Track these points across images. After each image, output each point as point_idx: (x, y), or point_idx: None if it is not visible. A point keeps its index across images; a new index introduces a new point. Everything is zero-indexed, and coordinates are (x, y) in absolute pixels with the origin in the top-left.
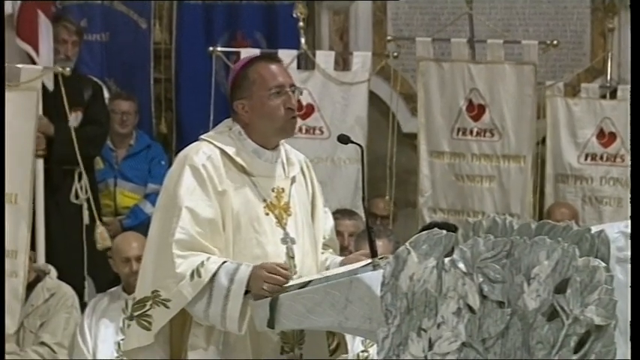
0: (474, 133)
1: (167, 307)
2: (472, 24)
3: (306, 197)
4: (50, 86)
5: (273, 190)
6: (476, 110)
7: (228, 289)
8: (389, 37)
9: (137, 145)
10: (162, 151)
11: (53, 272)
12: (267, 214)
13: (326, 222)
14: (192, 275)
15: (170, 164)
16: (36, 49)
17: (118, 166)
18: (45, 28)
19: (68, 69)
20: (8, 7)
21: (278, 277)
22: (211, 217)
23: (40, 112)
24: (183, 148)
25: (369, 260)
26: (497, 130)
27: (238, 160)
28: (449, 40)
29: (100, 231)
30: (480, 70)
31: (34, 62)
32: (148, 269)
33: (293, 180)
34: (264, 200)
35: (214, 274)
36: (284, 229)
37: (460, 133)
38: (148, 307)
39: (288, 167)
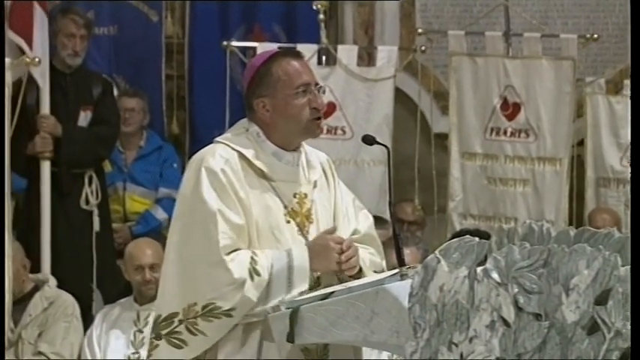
0: (508, 134)
1: (230, 317)
2: (508, 16)
3: (329, 202)
4: (42, 82)
5: (294, 196)
6: (511, 109)
7: (289, 280)
8: (419, 30)
9: (147, 147)
10: (175, 152)
11: (52, 281)
12: (288, 221)
13: (366, 220)
14: (251, 276)
15: (183, 167)
16: (29, 42)
17: (127, 168)
18: (40, 20)
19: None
20: None
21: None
22: (241, 224)
23: (47, 110)
24: (196, 150)
25: (397, 270)
26: (533, 131)
27: (257, 163)
28: (483, 34)
29: None
30: (516, 65)
31: None
32: (173, 283)
33: (314, 184)
34: (286, 207)
35: (271, 268)
36: (306, 238)
37: (493, 133)
38: (176, 324)
39: (309, 171)
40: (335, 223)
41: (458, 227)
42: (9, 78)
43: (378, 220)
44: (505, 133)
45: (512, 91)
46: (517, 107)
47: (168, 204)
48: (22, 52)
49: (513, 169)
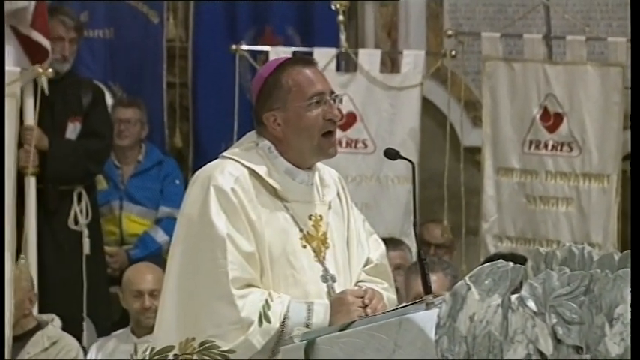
0: (549, 147)
1: None
2: (549, 17)
3: (343, 225)
4: (47, 90)
5: (310, 218)
6: (552, 120)
7: None
8: (449, 32)
9: (146, 161)
10: (177, 167)
11: (57, 321)
12: (304, 246)
13: (377, 247)
14: (260, 320)
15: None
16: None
17: (124, 185)
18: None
19: (50, 70)
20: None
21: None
22: (251, 251)
23: (32, 122)
24: (201, 166)
25: (422, 297)
26: (577, 144)
27: (271, 182)
28: (520, 37)
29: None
30: (558, 72)
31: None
32: (172, 313)
33: (329, 205)
34: (301, 230)
35: (285, 318)
36: (323, 264)
37: (533, 146)
38: (170, 359)
39: (323, 190)
40: (349, 249)
41: (492, 251)
42: (18, 87)
43: (392, 241)
44: (546, 146)
45: (553, 100)
46: (559, 118)
47: (169, 225)
48: (29, 58)
49: (555, 187)
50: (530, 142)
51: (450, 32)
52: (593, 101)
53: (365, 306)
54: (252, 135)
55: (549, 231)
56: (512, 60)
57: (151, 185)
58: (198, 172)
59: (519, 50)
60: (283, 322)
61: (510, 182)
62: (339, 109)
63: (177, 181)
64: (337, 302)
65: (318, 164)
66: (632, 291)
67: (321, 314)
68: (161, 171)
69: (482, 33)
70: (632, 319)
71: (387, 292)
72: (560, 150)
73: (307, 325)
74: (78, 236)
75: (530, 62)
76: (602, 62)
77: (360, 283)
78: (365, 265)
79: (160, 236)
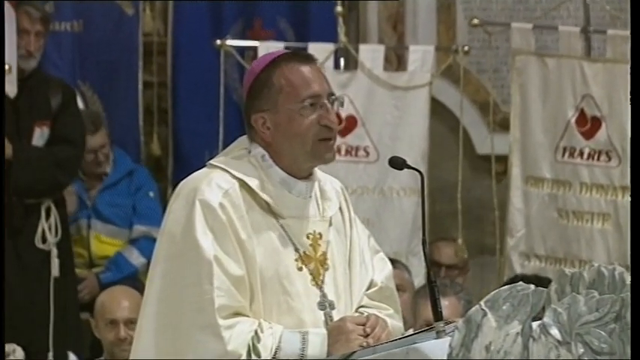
0: (585, 156)
1: None
2: (587, 8)
3: (344, 244)
4: (13, 92)
5: (307, 237)
6: (589, 124)
7: None
8: (474, 21)
9: (115, 173)
10: (150, 177)
11: (19, 352)
12: (300, 268)
13: (383, 268)
14: (248, 354)
15: (164, 196)
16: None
17: (91, 201)
18: (8, 17)
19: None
20: None
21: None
22: (240, 275)
23: None
24: (181, 176)
25: (432, 325)
26: (616, 153)
27: (264, 196)
28: (556, 29)
29: None
30: (597, 70)
31: None
32: (149, 342)
33: (330, 222)
34: (297, 250)
35: (277, 350)
36: (320, 288)
37: (567, 154)
38: None
39: (324, 204)
40: (351, 271)
41: (519, 271)
42: None
43: (394, 262)
44: (581, 154)
45: (591, 102)
46: (597, 122)
47: (146, 245)
48: None
49: (590, 200)
50: (564, 149)
51: (475, 21)
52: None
53: (366, 335)
54: (243, 140)
55: (582, 250)
56: (546, 55)
57: (122, 201)
58: (182, 184)
59: (546, 45)
60: (275, 355)
61: (540, 193)
62: (338, 114)
63: (152, 193)
64: (335, 331)
65: (320, 174)
66: (632, 291)
67: (317, 345)
68: (132, 183)
69: (512, 23)
70: (632, 319)
71: (391, 320)
72: (598, 159)
73: (302, 358)
74: (45, 256)
75: (565, 58)
76: None
77: (361, 309)
78: (368, 289)
79: (135, 258)
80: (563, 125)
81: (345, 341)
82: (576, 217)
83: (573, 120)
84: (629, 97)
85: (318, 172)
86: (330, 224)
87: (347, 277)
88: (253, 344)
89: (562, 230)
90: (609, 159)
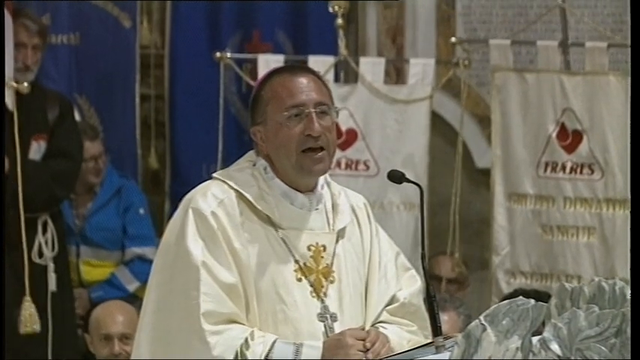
0: (568, 170)
1: None
2: (565, 21)
3: (359, 259)
4: (12, 105)
5: (309, 249)
6: (570, 138)
7: None
8: (453, 39)
9: (103, 193)
10: (139, 192)
11: None
12: (299, 279)
13: (411, 285)
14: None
15: (161, 208)
16: None
17: (78, 227)
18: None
19: (26, 84)
20: None
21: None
22: (232, 282)
23: None
24: (178, 189)
25: (431, 340)
26: (599, 166)
27: (260, 207)
28: (534, 44)
29: (30, 312)
30: (577, 83)
31: None
32: (145, 352)
33: (341, 234)
34: (297, 262)
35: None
36: (322, 300)
37: (549, 169)
38: None
39: (335, 217)
40: (369, 286)
41: (505, 288)
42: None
43: None
44: (563, 168)
45: (571, 116)
46: (578, 136)
47: (140, 268)
48: None
49: (575, 215)
50: (546, 164)
51: (453, 39)
52: (616, 117)
53: (366, 350)
54: (251, 154)
55: (569, 265)
56: (525, 70)
57: (111, 223)
58: (186, 196)
59: (533, 59)
60: None
61: (524, 210)
62: (338, 127)
63: (142, 210)
64: (334, 345)
65: (336, 187)
66: (632, 291)
67: (311, 357)
68: (121, 202)
69: (490, 40)
70: (632, 319)
71: (411, 335)
72: (580, 172)
73: None
74: (42, 271)
75: (544, 73)
76: (626, 72)
77: (379, 324)
78: (390, 304)
79: (129, 280)
80: (544, 140)
81: (344, 356)
82: (561, 231)
83: (554, 134)
84: (612, 108)
85: (335, 185)
86: (342, 237)
87: (358, 290)
88: (242, 351)
89: (547, 246)
90: (592, 172)
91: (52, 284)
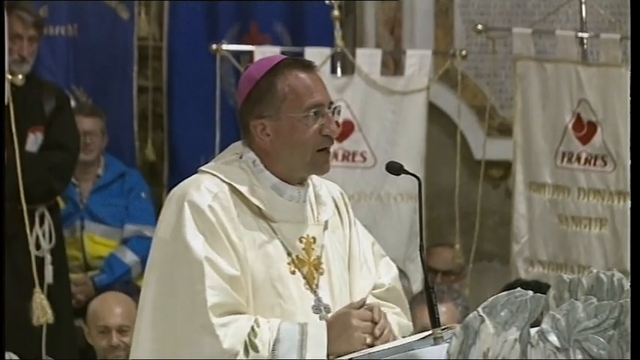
0: (582, 161)
1: None
2: (582, 11)
3: (343, 248)
4: (7, 97)
5: (300, 241)
6: (585, 129)
7: None
8: (478, 27)
9: (107, 175)
10: (142, 179)
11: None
12: (293, 272)
13: (389, 271)
14: (246, 350)
15: (158, 200)
16: None
17: (83, 203)
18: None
19: (20, 77)
20: None
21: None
22: (234, 274)
23: None
24: (176, 181)
25: (429, 331)
26: (611, 157)
27: (254, 200)
28: (552, 33)
29: (40, 301)
30: (592, 74)
31: None
32: (148, 349)
33: (325, 226)
34: (289, 254)
35: (275, 343)
36: (315, 292)
37: (565, 159)
38: None
39: (318, 208)
40: (351, 273)
41: (523, 277)
42: None
43: None
44: (579, 159)
45: (586, 107)
46: (592, 127)
47: (138, 244)
48: None
49: (587, 206)
50: (563, 154)
51: (479, 26)
52: (627, 109)
53: (374, 323)
54: (237, 145)
55: (581, 255)
56: (545, 60)
57: (114, 200)
58: (173, 190)
59: (544, 50)
60: (273, 348)
61: (542, 199)
62: (337, 122)
63: (143, 194)
64: (339, 324)
65: (316, 179)
66: (632, 292)
67: (317, 336)
68: (124, 184)
69: (513, 28)
70: (632, 319)
71: (399, 317)
72: (594, 164)
73: (301, 349)
74: (40, 263)
75: (562, 63)
76: None
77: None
78: (374, 289)
79: (129, 257)
80: (561, 130)
81: (347, 337)
82: (575, 222)
83: (571, 125)
84: (625, 100)
85: (313, 176)
86: (326, 228)
87: (345, 280)
88: (250, 340)
89: (562, 236)
90: (605, 164)
91: (49, 276)
